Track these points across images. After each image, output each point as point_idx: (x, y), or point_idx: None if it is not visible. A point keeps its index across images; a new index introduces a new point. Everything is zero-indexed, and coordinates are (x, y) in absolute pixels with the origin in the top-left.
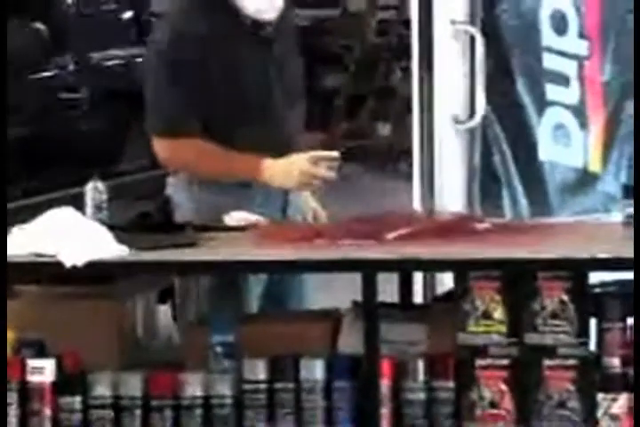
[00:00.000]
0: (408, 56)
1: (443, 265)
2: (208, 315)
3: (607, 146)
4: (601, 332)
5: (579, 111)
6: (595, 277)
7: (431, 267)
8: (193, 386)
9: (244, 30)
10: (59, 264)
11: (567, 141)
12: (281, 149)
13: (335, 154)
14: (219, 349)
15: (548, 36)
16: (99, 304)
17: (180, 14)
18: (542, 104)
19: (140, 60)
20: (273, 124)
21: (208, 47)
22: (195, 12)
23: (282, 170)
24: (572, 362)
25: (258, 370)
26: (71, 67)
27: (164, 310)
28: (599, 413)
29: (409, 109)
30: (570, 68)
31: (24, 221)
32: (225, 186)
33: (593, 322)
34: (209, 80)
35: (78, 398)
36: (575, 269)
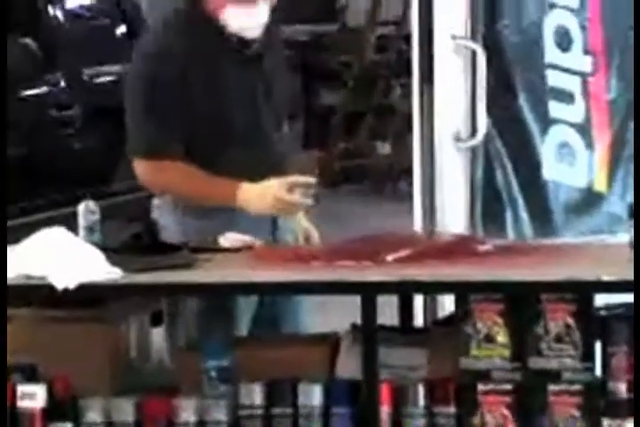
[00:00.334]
0: (408, 72)
1: (443, 287)
2: (199, 339)
3: (613, 165)
4: (606, 356)
5: (584, 129)
6: (600, 300)
7: (432, 289)
8: (187, 411)
9: (229, 48)
10: (50, 287)
11: (572, 160)
12: (271, 170)
13: (311, 180)
14: (213, 373)
15: (551, 52)
16: (91, 328)
17: (163, 31)
18: (546, 122)
19: None
20: (261, 145)
21: (191, 65)
22: (178, 29)
23: (256, 195)
24: (577, 387)
25: (254, 395)
26: (62, 84)
27: (158, 333)
28: None
29: (409, 127)
30: (574, 85)
31: (15, 241)
32: (210, 210)
33: (598, 346)
34: (192, 99)
35: (69, 425)
36: (580, 292)
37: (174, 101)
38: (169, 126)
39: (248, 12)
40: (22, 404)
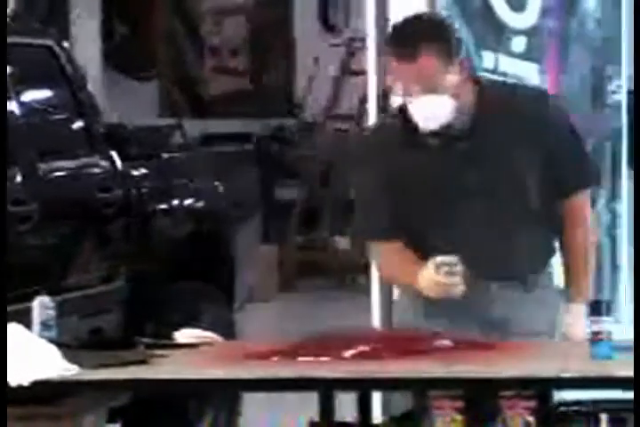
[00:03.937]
0: None
1: (401, 384)
2: None
3: None
4: None
5: None
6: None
7: (389, 386)
8: None
9: (415, 137)
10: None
11: None
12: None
13: (452, 259)
14: None
15: None
16: (47, 425)
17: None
18: None
19: (89, 170)
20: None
21: (386, 154)
22: (383, 120)
23: (421, 280)
24: None
25: None
26: (18, 179)
27: None
28: None
29: None
30: None
31: None
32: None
33: None
34: (404, 186)
35: None
36: (539, 389)
37: (383, 185)
38: (389, 212)
39: (426, 102)
40: None
